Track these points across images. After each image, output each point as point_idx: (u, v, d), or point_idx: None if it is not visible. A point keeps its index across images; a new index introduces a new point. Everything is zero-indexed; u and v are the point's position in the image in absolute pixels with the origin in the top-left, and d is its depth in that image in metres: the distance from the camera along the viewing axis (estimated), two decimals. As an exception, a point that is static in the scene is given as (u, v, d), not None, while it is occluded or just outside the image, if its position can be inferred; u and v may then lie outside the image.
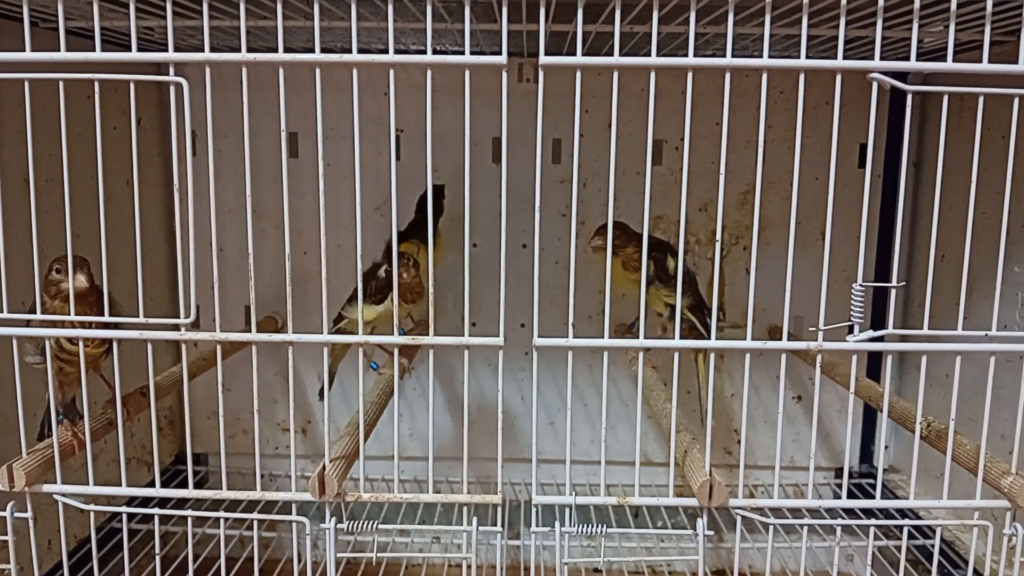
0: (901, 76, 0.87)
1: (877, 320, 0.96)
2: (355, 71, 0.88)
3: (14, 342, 0.94)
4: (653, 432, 1.75)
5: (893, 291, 0.93)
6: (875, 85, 0.88)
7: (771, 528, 0.97)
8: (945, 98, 0.89)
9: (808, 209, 1.41)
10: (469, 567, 0.95)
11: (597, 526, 0.93)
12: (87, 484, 0.98)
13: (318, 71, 0.89)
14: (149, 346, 0.94)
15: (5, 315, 0.93)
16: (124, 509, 0.97)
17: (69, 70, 0.87)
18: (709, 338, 1.18)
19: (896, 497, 1.60)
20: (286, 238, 0.96)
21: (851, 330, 0.91)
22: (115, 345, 0.97)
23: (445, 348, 1.67)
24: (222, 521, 0.96)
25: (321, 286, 0.94)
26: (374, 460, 1.58)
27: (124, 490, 0.97)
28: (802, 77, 0.89)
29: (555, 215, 1.66)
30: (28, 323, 0.95)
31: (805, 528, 0.97)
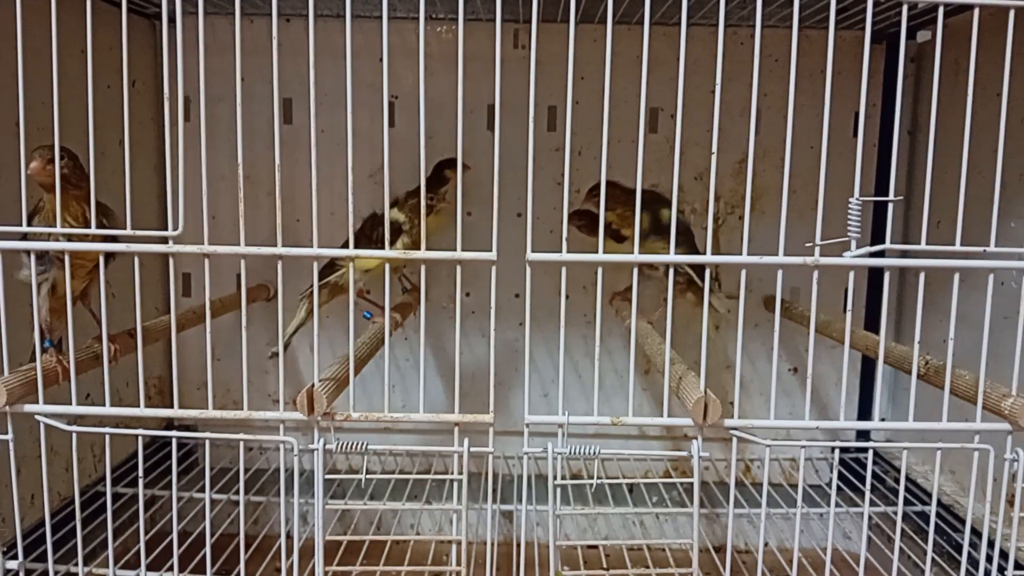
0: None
1: (877, 234, 0.95)
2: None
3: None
4: (649, 405, 1.73)
5: (891, 206, 0.92)
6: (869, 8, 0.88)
7: (767, 452, 0.95)
8: (940, 10, 0.89)
9: (803, 178, 1.41)
10: (458, 548, 0.93)
11: (590, 446, 0.92)
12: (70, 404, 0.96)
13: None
14: (136, 260, 0.92)
15: None
16: (108, 430, 0.95)
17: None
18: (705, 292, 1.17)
19: (893, 468, 1.57)
20: (276, 167, 0.96)
21: (849, 246, 0.91)
22: (102, 260, 0.95)
23: (439, 315, 1.67)
24: (207, 443, 0.93)
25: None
26: (366, 432, 1.57)
27: (108, 410, 0.95)
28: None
29: (551, 183, 1.65)
30: (24, 236, 0.93)
31: (802, 454, 0.95)
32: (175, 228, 0.90)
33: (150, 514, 1.58)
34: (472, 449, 0.92)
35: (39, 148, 0.92)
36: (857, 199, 0.90)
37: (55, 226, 0.91)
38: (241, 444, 0.94)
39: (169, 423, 1.70)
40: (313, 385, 0.92)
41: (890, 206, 0.91)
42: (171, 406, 1.73)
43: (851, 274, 0.93)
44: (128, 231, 0.91)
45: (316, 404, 0.91)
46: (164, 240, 0.91)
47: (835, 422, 0.99)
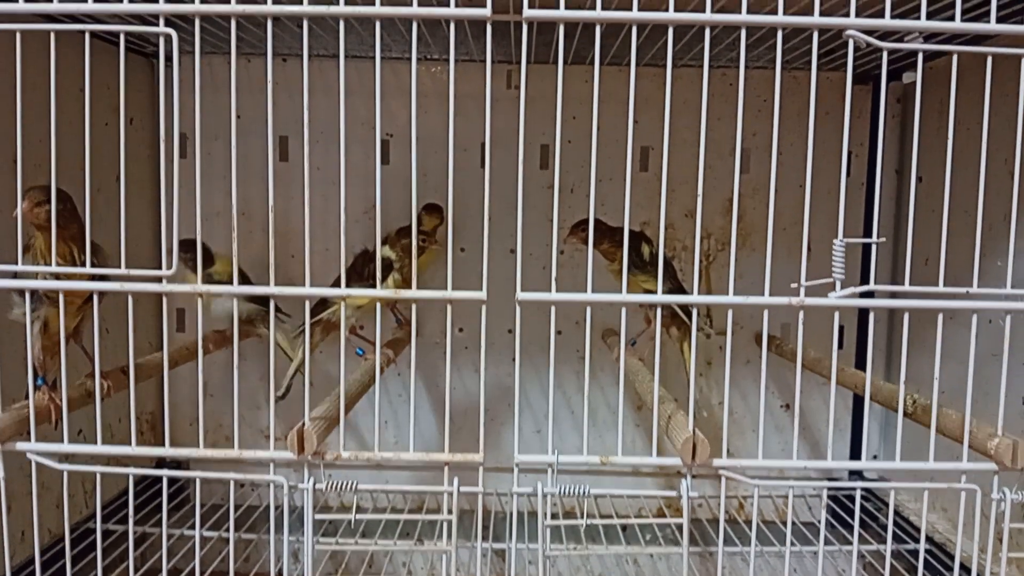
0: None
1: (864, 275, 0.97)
2: (341, 23, 0.90)
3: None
4: (641, 442, 1.73)
5: (875, 247, 0.93)
6: (851, 45, 0.90)
7: (756, 491, 0.95)
8: (920, 56, 0.91)
9: (792, 216, 1.43)
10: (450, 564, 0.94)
11: (580, 486, 0.92)
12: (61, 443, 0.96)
13: (305, 24, 0.90)
14: (130, 299, 0.93)
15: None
16: (99, 468, 0.95)
17: (61, 22, 0.89)
18: (690, 324, 1.18)
19: (884, 503, 1.57)
20: (269, 205, 0.97)
21: (834, 287, 0.92)
22: (96, 299, 0.96)
23: (430, 352, 1.68)
24: (197, 481, 0.94)
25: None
26: (358, 469, 1.57)
27: (100, 448, 0.95)
28: (780, 35, 0.90)
29: (542, 220, 1.67)
30: (15, 275, 0.94)
31: (791, 493, 0.96)
32: (169, 267, 0.91)
33: (140, 551, 1.57)
34: (462, 488, 0.92)
35: (31, 189, 0.94)
36: (841, 240, 0.91)
37: (44, 265, 0.93)
38: (232, 483, 0.95)
39: (160, 460, 1.71)
40: (304, 424, 0.93)
41: (874, 247, 0.92)
42: (163, 442, 1.74)
43: (836, 315, 0.94)
44: (122, 270, 0.91)
45: (306, 444, 0.91)
46: (158, 279, 0.92)
47: (824, 462, 0.99)
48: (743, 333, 1.67)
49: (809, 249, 0.96)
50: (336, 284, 1.33)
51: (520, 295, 0.93)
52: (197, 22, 0.90)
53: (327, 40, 1.58)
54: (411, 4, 0.89)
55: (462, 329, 1.68)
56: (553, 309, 0.94)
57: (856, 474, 1.69)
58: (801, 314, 0.94)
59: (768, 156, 1.55)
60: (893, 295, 0.95)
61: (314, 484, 0.92)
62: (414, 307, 0.94)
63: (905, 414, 1.05)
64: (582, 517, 0.94)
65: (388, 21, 0.92)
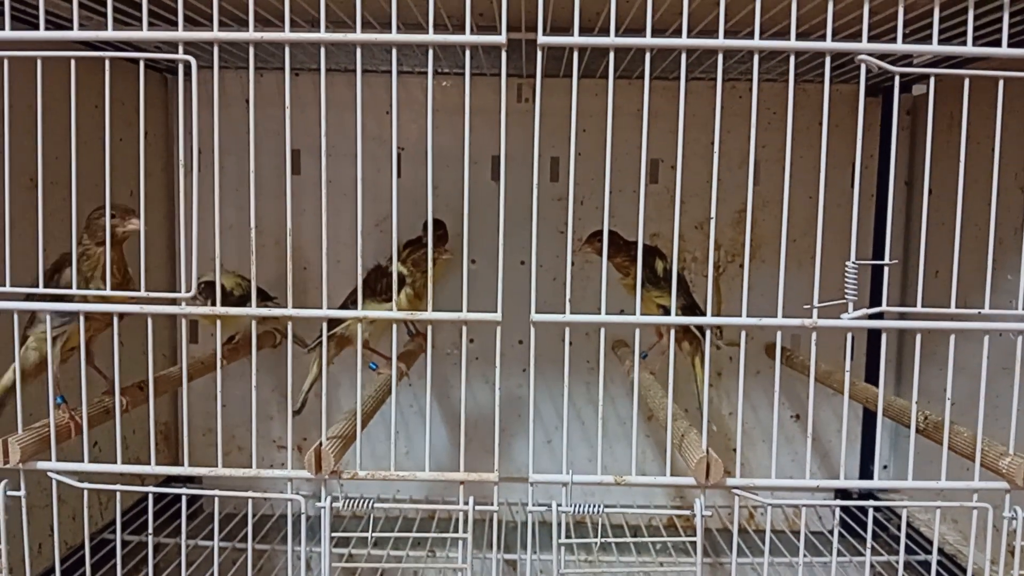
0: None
1: (875, 296, 0.97)
2: (358, 50, 0.90)
3: (15, 316, 0.95)
4: (651, 451, 1.74)
5: (887, 269, 0.94)
6: (863, 69, 0.90)
7: (768, 510, 0.96)
8: (931, 81, 0.92)
9: (803, 228, 1.44)
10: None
11: (594, 504, 0.93)
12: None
13: (323, 51, 0.91)
14: (149, 320, 0.94)
15: (7, 288, 0.94)
16: (119, 487, 0.96)
17: (80, 48, 0.90)
18: (703, 340, 1.19)
19: (896, 515, 1.58)
20: (288, 229, 0.98)
21: (846, 308, 0.92)
22: (116, 321, 0.97)
23: (443, 361, 1.69)
24: (216, 500, 0.95)
25: (319, 300, 0.96)
26: (369, 482, 1.59)
27: (119, 467, 0.97)
28: (792, 59, 0.91)
29: (553, 232, 1.68)
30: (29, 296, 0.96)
31: (803, 511, 0.97)
32: (187, 290, 0.92)
33: (155, 562, 1.59)
34: (477, 507, 0.93)
35: (99, 209, 0.98)
36: (854, 263, 0.92)
37: (98, 278, 0.96)
38: (249, 502, 0.96)
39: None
40: (321, 444, 0.94)
41: (886, 269, 0.93)
42: (177, 452, 1.76)
43: (849, 336, 0.95)
44: (142, 293, 0.93)
45: (324, 463, 0.92)
46: (176, 302, 0.93)
47: (836, 482, 1.00)
48: (753, 344, 1.67)
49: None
50: (350, 298, 1.35)
51: (535, 316, 0.94)
52: (216, 49, 0.91)
53: (338, 56, 1.60)
54: (426, 27, 0.90)
55: (473, 340, 1.68)
56: (567, 331, 0.95)
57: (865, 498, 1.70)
58: (814, 335, 0.95)
59: (776, 168, 1.57)
60: (904, 316, 0.95)
61: (331, 502, 0.93)
62: (430, 329, 0.95)
63: (917, 430, 1.06)
64: (595, 534, 0.95)
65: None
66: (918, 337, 0.95)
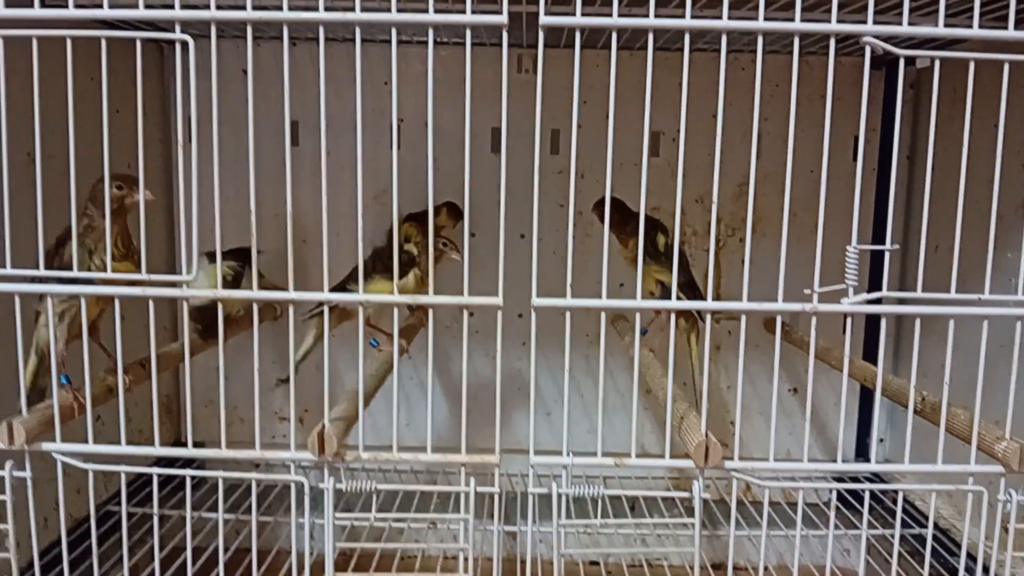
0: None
1: (874, 281, 0.97)
2: (358, 30, 0.90)
3: (16, 299, 0.95)
4: (650, 424, 1.76)
5: (887, 255, 0.94)
6: (868, 50, 0.90)
7: (766, 492, 0.97)
8: (936, 64, 0.91)
9: (803, 202, 1.43)
10: (466, 558, 0.96)
11: (595, 486, 0.94)
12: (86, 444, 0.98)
13: (322, 30, 0.90)
14: (151, 303, 0.94)
15: (8, 271, 0.94)
16: (123, 468, 0.97)
17: (76, 27, 0.89)
18: (703, 319, 1.19)
19: (891, 490, 1.59)
20: (288, 212, 0.98)
21: (847, 293, 0.93)
22: (117, 304, 0.97)
23: (443, 335, 1.69)
24: (220, 481, 0.96)
25: (320, 273, 0.96)
26: (370, 449, 1.60)
27: (124, 448, 0.97)
28: (796, 41, 0.90)
29: (553, 205, 1.68)
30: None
31: (800, 494, 0.98)
32: (188, 272, 0.92)
33: (160, 533, 1.61)
34: (478, 489, 0.94)
35: (100, 181, 0.97)
36: (854, 247, 0.92)
37: (101, 250, 0.97)
38: (253, 483, 0.97)
39: (177, 443, 1.74)
40: (324, 427, 0.94)
41: (886, 254, 0.93)
42: (179, 425, 1.77)
43: (849, 320, 0.95)
44: (143, 275, 0.93)
45: (327, 445, 0.93)
46: (178, 284, 0.93)
47: (833, 465, 1.01)
48: (752, 319, 1.68)
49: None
50: (351, 276, 1.35)
51: (536, 301, 0.94)
52: (213, 29, 0.90)
53: (335, 26, 1.57)
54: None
55: (472, 314, 1.69)
56: (568, 315, 0.95)
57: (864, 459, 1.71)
58: (814, 320, 0.95)
59: (777, 141, 1.54)
60: (903, 301, 0.96)
61: (334, 484, 0.94)
62: (431, 315, 0.95)
63: (915, 411, 1.06)
64: (595, 511, 0.96)
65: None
66: (917, 322, 0.95)
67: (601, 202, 1.32)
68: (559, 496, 0.94)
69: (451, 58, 1.68)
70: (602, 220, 1.28)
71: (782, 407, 1.74)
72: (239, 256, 1.31)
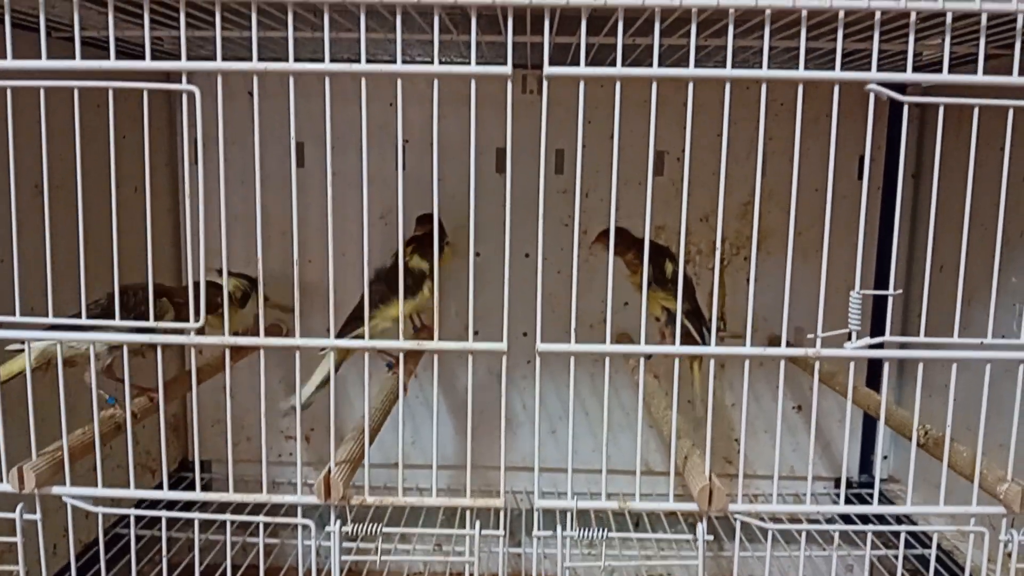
0: (899, 88, 0.89)
1: (876, 328, 0.97)
2: (363, 80, 0.90)
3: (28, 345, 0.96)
4: (655, 442, 1.76)
5: (891, 299, 0.94)
6: (872, 96, 0.89)
7: (769, 534, 0.98)
8: (941, 109, 0.91)
9: (808, 220, 1.42)
10: (472, 574, 0.97)
11: (598, 529, 0.95)
12: (95, 486, 0.99)
13: (327, 80, 0.91)
14: (159, 350, 0.95)
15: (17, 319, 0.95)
16: (132, 511, 0.98)
17: (84, 78, 0.89)
18: (705, 345, 1.20)
19: (891, 503, 1.60)
20: (294, 250, 0.98)
21: (849, 337, 0.93)
22: (125, 351, 0.98)
23: (448, 354, 1.70)
24: (228, 524, 0.97)
25: (325, 294, 0.96)
26: (377, 468, 1.61)
27: (132, 492, 0.98)
28: (800, 89, 0.90)
29: (557, 224, 1.68)
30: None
31: (803, 535, 0.98)
32: (195, 320, 0.93)
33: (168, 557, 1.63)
34: (483, 532, 0.95)
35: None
36: (858, 292, 0.92)
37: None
38: (261, 525, 0.98)
39: (184, 464, 1.75)
40: (330, 471, 0.95)
41: (890, 299, 0.93)
42: (185, 444, 1.78)
43: (851, 365, 0.96)
44: (151, 323, 0.93)
45: (333, 491, 0.94)
46: (185, 332, 0.94)
47: (834, 507, 1.02)
48: (757, 336, 1.68)
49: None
50: (363, 304, 1.35)
51: (540, 346, 0.94)
52: (219, 80, 0.90)
53: (341, 49, 1.58)
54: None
55: (478, 332, 1.70)
56: (572, 360, 0.96)
57: (868, 484, 1.72)
58: (817, 364, 0.96)
59: (782, 159, 1.55)
60: (905, 345, 0.96)
61: (340, 526, 0.95)
62: (436, 322, 0.96)
63: (917, 444, 1.07)
64: (602, 555, 0.97)
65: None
66: (920, 366, 0.95)
67: (603, 234, 1.33)
68: (563, 539, 0.95)
69: (454, 78, 1.68)
70: (606, 249, 1.29)
71: (786, 424, 1.75)
72: (246, 277, 1.33)
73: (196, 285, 0.92)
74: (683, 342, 1.34)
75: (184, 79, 0.90)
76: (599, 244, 1.38)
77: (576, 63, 0.90)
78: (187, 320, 0.93)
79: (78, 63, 0.89)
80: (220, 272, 1.11)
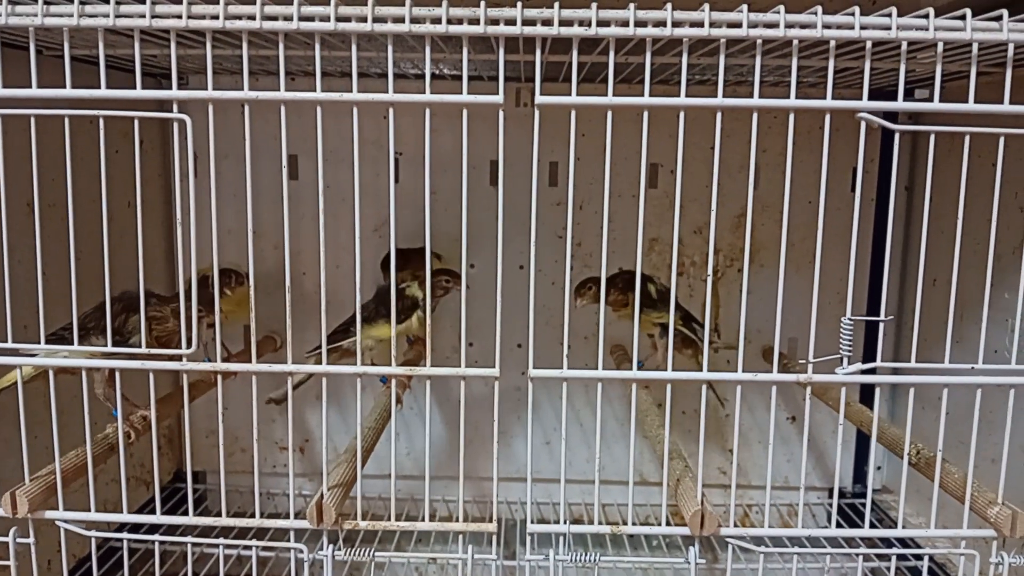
0: (891, 115, 0.89)
1: (869, 349, 0.98)
2: (355, 109, 0.90)
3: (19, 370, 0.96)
4: (648, 453, 1.77)
5: (882, 325, 0.95)
6: (863, 124, 0.90)
7: (761, 558, 0.98)
8: (932, 137, 0.91)
9: (802, 232, 1.43)
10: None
11: (591, 553, 0.95)
12: (88, 509, 0.99)
13: (319, 109, 0.90)
14: (151, 376, 0.95)
15: (10, 344, 0.94)
16: (125, 536, 0.98)
17: (74, 106, 0.89)
18: (701, 347, 1.20)
19: (888, 518, 1.61)
20: (286, 268, 0.98)
21: (841, 362, 0.93)
22: (118, 376, 0.98)
23: (441, 366, 1.70)
24: (221, 548, 0.97)
25: (318, 309, 0.96)
26: (370, 479, 1.61)
27: (125, 516, 0.99)
28: (791, 117, 0.90)
29: (551, 237, 1.68)
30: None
31: (795, 558, 0.99)
32: (188, 347, 0.93)
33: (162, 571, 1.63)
34: (476, 556, 0.95)
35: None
36: (849, 319, 0.92)
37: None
38: (254, 551, 0.98)
39: (178, 475, 1.76)
40: (322, 496, 0.95)
41: (881, 326, 0.93)
42: (179, 456, 1.78)
43: (843, 390, 0.96)
44: (143, 349, 0.93)
45: (325, 516, 0.94)
46: (177, 358, 0.94)
47: (826, 530, 1.02)
48: (750, 348, 1.68)
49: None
50: (354, 319, 1.35)
51: (532, 372, 0.95)
52: (211, 109, 0.90)
53: (334, 62, 1.57)
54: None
55: (472, 344, 1.70)
56: (565, 386, 0.96)
57: (862, 491, 1.73)
58: (808, 390, 0.96)
59: (775, 172, 1.53)
60: (896, 371, 0.97)
61: (332, 551, 0.96)
62: (428, 336, 0.96)
63: (909, 463, 1.08)
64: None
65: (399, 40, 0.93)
66: (911, 392, 0.96)
67: (583, 286, 1.35)
68: (555, 563, 0.95)
69: (447, 91, 1.67)
70: (594, 300, 1.31)
71: (780, 434, 1.75)
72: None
73: (188, 311, 0.92)
74: (681, 346, 1.35)
75: (175, 107, 0.90)
76: (581, 299, 1.38)
77: (568, 79, 0.90)
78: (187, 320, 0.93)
79: (69, 92, 0.89)
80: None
